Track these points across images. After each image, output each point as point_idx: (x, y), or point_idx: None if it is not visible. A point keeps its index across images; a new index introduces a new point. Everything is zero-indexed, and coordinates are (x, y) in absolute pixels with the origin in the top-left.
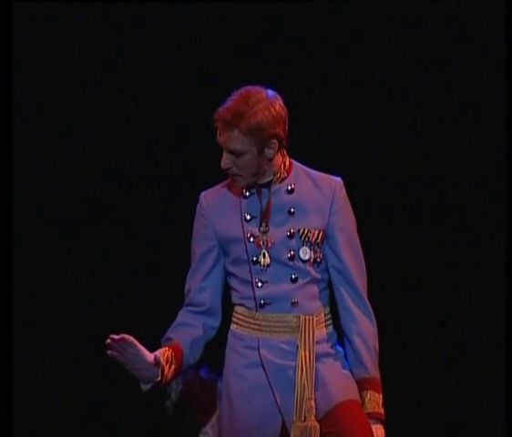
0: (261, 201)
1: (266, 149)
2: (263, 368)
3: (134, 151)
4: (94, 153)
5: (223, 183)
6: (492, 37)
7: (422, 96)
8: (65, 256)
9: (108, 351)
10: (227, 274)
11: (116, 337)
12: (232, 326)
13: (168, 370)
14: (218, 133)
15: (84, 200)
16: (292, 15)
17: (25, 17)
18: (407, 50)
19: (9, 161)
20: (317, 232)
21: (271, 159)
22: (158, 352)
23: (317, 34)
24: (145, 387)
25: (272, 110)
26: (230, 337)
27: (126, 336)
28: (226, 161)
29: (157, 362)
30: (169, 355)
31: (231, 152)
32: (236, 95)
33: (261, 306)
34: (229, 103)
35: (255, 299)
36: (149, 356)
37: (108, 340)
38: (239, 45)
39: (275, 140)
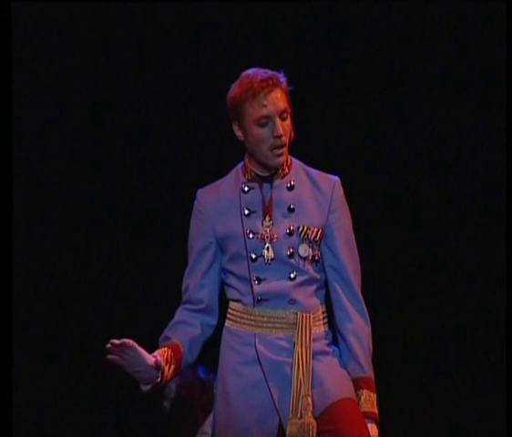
0: (263, 195)
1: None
2: (260, 364)
3: (132, 150)
4: (92, 152)
5: (220, 180)
6: (492, 37)
7: (420, 96)
8: (63, 256)
9: (108, 356)
10: (223, 271)
11: (116, 342)
12: (227, 322)
13: (168, 371)
14: (262, 104)
15: (81, 199)
16: (290, 15)
17: (25, 17)
18: (407, 49)
19: (9, 161)
20: (316, 230)
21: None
22: (157, 353)
23: (316, 32)
24: (145, 388)
25: None
26: (225, 334)
27: (126, 340)
28: (281, 127)
29: (157, 366)
30: (169, 355)
31: (282, 113)
32: (252, 72)
33: (259, 302)
34: (259, 73)
35: (253, 295)
36: (150, 359)
37: (109, 345)
38: (237, 45)
39: None
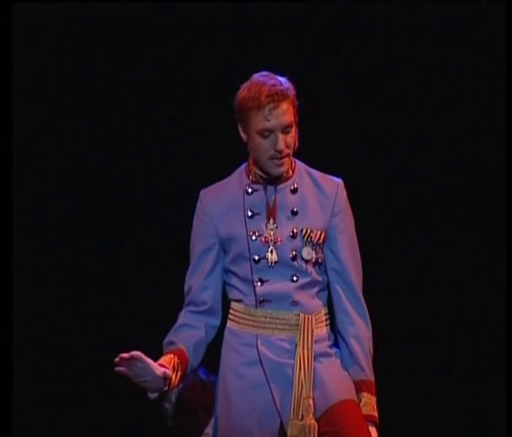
0: (267, 198)
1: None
2: (261, 365)
3: (134, 150)
4: (94, 152)
5: (223, 180)
6: (492, 37)
7: (422, 98)
8: (64, 257)
9: (116, 368)
10: (226, 273)
11: (125, 355)
12: (229, 323)
13: (175, 378)
14: (266, 118)
15: (83, 200)
16: (290, 15)
17: (25, 17)
18: (408, 50)
19: (9, 161)
20: (319, 233)
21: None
22: (163, 361)
23: (317, 33)
24: (152, 396)
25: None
26: (226, 334)
27: (134, 353)
28: (282, 142)
29: (165, 377)
30: (175, 362)
31: (287, 127)
32: (261, 79)
33: (261, 303)
34: (267, 83)
35: (255, 296)
36: (157, 369)
37: (117, 359)
38: (242, 45)
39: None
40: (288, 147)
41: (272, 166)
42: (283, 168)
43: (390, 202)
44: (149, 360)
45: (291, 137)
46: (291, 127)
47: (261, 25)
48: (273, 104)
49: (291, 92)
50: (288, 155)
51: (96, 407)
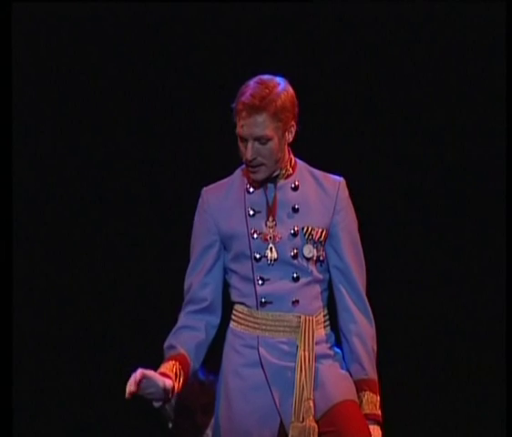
0: (267, 196)
1: (287, 133)
2: (262, 367)
3: (134, 150)
4: (93, 152)
5: (225, 179)
6: (492, 37)
7: (422, 97)
8: (64, 256)
9: (127, 396)
10: (226, 271)
11: (133, 389)
12: (232, 324)
13: (178, 385)
14: (240, 124)
15: (82, 200)
16: (292, 15)
17: (25, 17)
18: (408, 51)
19: (9, 161)
20: (320, 231)
21: (289, 145)
22: (165, 369)
23: (318, 33)
24: (157, 404)
25: (289, 92)
26: (228, 335)
27: (138, 375)
28: (251, 152)
29: (168, 389)
30: (177, 369)
31: (258, 139)
32: (250, 84)
33: (262, 304)
34: (249, 91)
35: (256, 297)
36: (160, 381)
37: (128, 396)
38: (238, 46)
39: (293, 123)
40: (264, 157)
41: (249, 171)
42: (258, 176)
43: (391, 201)
44: (151, 374)
45: (269, 149)
46: (268, 139)
47: (261, 25)
48: (246, 113)
49: (275, 105)
50: (263, 164)
51: (95, 407)
